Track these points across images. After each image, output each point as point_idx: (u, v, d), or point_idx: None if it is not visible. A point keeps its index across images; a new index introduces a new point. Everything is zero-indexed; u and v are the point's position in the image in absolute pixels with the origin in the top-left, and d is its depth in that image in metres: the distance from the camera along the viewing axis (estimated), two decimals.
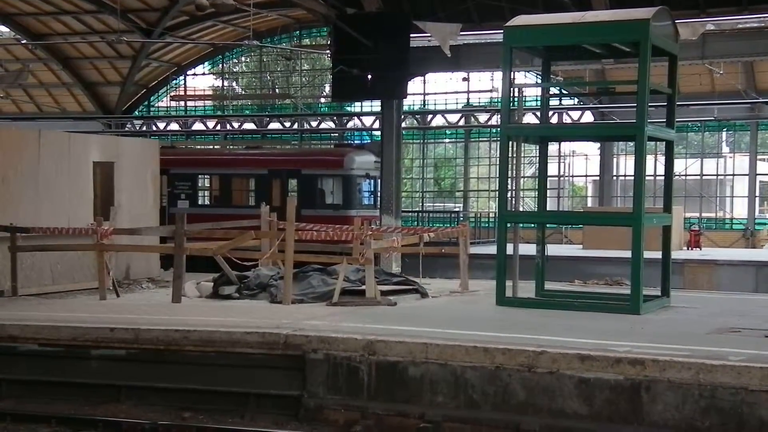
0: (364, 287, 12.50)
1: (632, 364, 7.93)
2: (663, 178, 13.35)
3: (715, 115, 30.59)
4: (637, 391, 7.82)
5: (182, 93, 40.17)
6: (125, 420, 9.10)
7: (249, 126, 38.57)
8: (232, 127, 38.36)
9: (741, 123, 32.58)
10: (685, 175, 32.10)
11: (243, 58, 41.24)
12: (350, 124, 37.17)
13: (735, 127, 33.43)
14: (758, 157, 33.09)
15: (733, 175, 34.66)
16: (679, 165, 28.72)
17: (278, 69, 39.54)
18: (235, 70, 41.28)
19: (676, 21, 13.01)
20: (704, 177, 33.77)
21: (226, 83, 40.88)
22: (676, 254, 16.20)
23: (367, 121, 35.86)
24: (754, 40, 20.83)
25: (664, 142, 13.10)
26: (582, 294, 13.55)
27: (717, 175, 34.40)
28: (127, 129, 38.58)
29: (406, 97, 24.78)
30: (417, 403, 8.63)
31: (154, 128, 38.37)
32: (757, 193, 33.06)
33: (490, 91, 34.88)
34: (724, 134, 36.72)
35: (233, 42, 35.13)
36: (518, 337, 9.14)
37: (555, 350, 8.35)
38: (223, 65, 40.38)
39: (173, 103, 40.71)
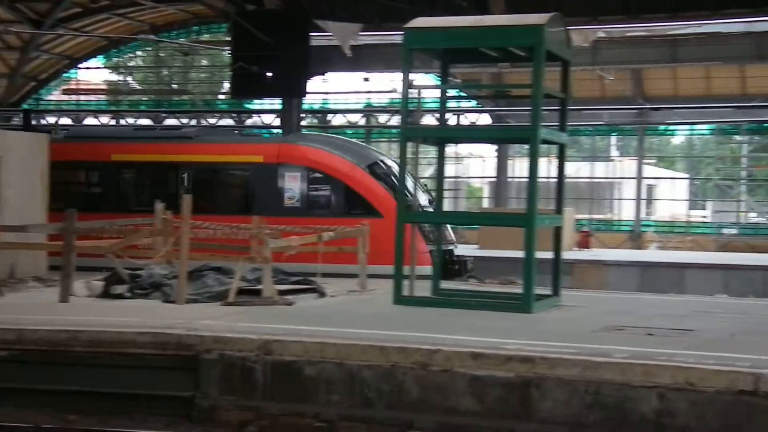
0: (261, 287, 12.41)
1: (523, 362, 8.10)
2: (555, 180, 13.70)
3: (605, 120, 31.61)
4: (527, 388, 8.00)
5: (74, 87, 38.96)
6: (5, 424, 8.77)
7: (145, 122, 37.74)
8: (127, 122, 37.45)
9: (629, 128, 33.76)
10: (577, 178, 33.04)
11: (139, 53, 40.31)
12: (250, 122, 36.80)
13: (624, 132, 34.63)
14: (644, 161, 34.36)
15: (622, 178, 35.88)
16: (571, 168, 29.50)
17: (175, 64, 38.82)
18: (130, 64, 40.31)
19: (569, 27, 13.38)
20: (595, 180, 34.83)
21: (120, 78, 39.87)
22: (566, 254, 16.67)
23: (268, 118, 35.58)
24: (642, 48, 21.65)
25: (557, 145, 13.43)
26: (477, 293, 13.78)
27: (607, 178, 35.54)
28: (13, 123, 37.16)
29: (305, 96, 24.70)
30: (313, 402, 8.61)
31: (44, 122, 37.09)
32: (644, 196, 34.31)
33: (391, 91, 35.11)
34: (613, 138, 38.04)
35: (128, 35, 34.27)
36: (414, 335, 9.22)
37: (449, 348, 8.46)
38: (117, 59, 39.39)
39: (65, 97, 39.45)
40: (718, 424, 7.41)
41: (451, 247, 18.14)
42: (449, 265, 17.63)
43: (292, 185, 17.90)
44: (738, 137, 35.27)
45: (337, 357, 8.64)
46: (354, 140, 23.49)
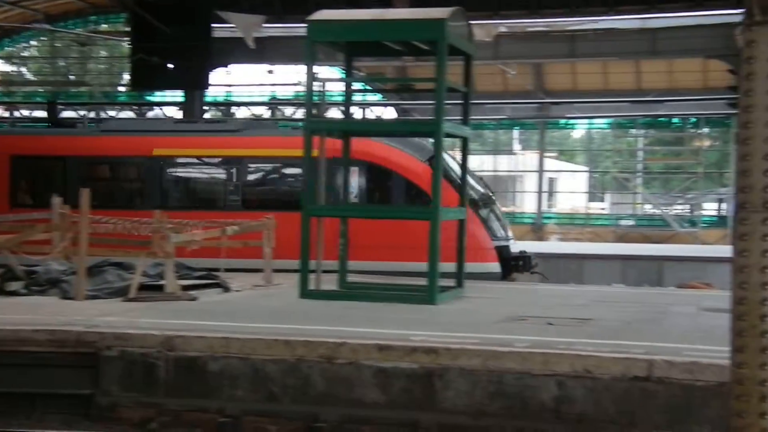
0: (163, 282, 12.19)
1: (427, 353, 8.18)
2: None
3: (507, 114, 32.21)
4: (431, 378, 8.08)
5: None
6: None
7: (40, 114, 36.56)
8: (21, 114, 36.22)
9: (531, 122, 34.49)
10: (480, 171, 33.59)
11: (33, 43, 39.00)
12: (151, 114, 36.07)
13: (526, 125, 35.36)
14: (546, 154, 35.17)
15: (524, 171, 36.64)
16: (474, 161, 29.96)
17: (72, 55, 37.71)
18: (24, 54, 38.98)
19: (472, 22, 13.56)
20: (498, 173, 35.46)
21: (14, 68, 38.51)
22: None
23: (170, 111, 34.95)
24: (543, 43, 22.13)
25: (460, 139, 13.61)
26: (383, 286, 13.85)
27: (509, 171, 36.25)
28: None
29: (208, 88, 24.37)
30: (216, 398, 8.51)
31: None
32: (545, 189, 35.13)
33: (295, 84, 34.97)
34: (516, 132, 38.77)
35: (22, 25, 33.12)
36: (319, 329, 9.22)
37: (355, 341, 8.48)
38: (11, 49, 37.99)
39: None
40: (614, 410, 7.64)
41: (507, 243, 17.47)
42: (511, 262, 17.11)
43: (350, 180, 16.58)
44: (634, 131, 36.45)
45: (242, 352, 8.56)
46: None
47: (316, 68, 12.82)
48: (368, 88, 34.38)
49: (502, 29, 20.90)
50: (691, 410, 7.42)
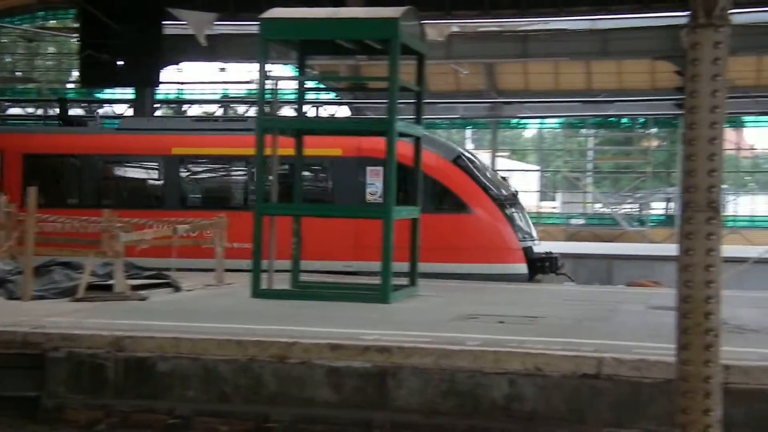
0: (112, 282, 12.03)
1: (380, 352, 8.19)
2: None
3: (460, 114, 32.36)
4: (384, 377, 8.09)
5: None
6: None
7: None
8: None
9: (483, 121, 34.71)
10: None
11: None
12: (101, 112, 35.53)
13: (478, 125, 35.57)
14: (497, 154, 35.42)
15: None
16: None
17: (19, 51, 36.99)
18: None
19: (424, 22, 13.60)
20: None
21: None
22: None
23: (120, 108, 34.45)
24: (495, 44, 22.28)
25: (413, 138, 13.63)
26: (336, 285, 13.83)
27: None
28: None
29: (158, 86, 24.10)
30: (166, 398, 8.41)
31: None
32: None
33: (248, 82, 34.72)
34: (468, 132, 38.99)
35: None
36: (272, 328, 9.17)
37: (307, 340, 8.45)
38: None
39: None
40: (564, 407, 7.71)
41: (532, 243, 17.21)
42: (537, 263, 16.89)
43: (375, 180, 16.46)
44: (584, 131, 36.88)
45: (193, 352, 8.47)
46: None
47: (268, 66, 12.76)
48: (322, 86, 34.33)
49: (455, 29, 21.01)
50: (639, 407, 7.52)
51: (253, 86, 32.96)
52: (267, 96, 12.79)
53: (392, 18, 11.75)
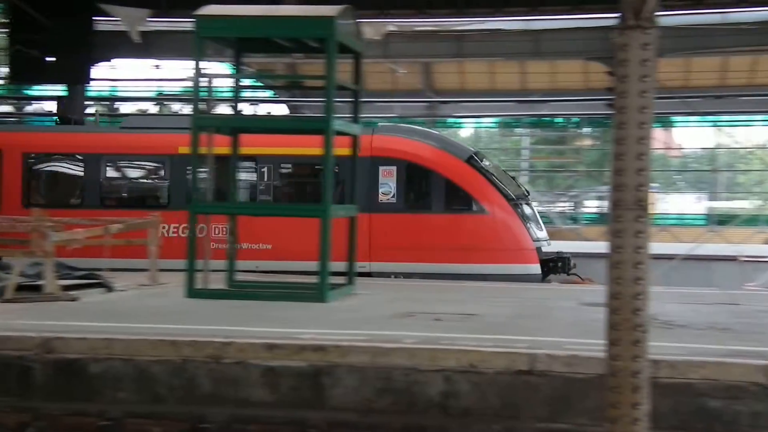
0: (42, 282, 11.77)
1: (316, 351, 8.17)
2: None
3: (397, 113, 32.43)
4: (320, 376, 8.08)
5: None
6: None
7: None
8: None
9: (420, 120, 34.86)
10: None
11: None
12: (30, 109, 34.75)
13: (415, 124, 35.68)
14: None
15: None
16: None
17: None
18: None
19: (361, 20, 13.61)
20: None
21: None
22: None
23: (50, 105, 33.72)
24: (431, 43, 22.39)
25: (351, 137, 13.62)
26: (272, 284, 13.75)
27: None
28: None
29: (90, 83, 23.65)
30: (98, 401, 8.26)
31: None
32: None
33: (183, 80, 34.29)
34: None
35: None
36: (207, 328, 9.09)
37: (243, 340, 8.38)
38: None
39: None
40: (498, 404, 7.79)
41: (543, 243, 17.09)
42: (549, 263, 16.82)
43: (388, 180, 16.46)
44: (520, 130, 37.32)
45: (126, 353, 8.34)
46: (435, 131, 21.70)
47: (204, 64, 12.63)
48: (259, 84, 34.08)
49: (391, 28, 21.07)
50: (571, 402, 7.64)
51: (189, 84, 32.59)
52: (202, 94, 12.66)
53: (329, 16, 11.73)
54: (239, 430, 8.03)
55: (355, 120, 13.35)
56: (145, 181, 18.69)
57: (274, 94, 34.44)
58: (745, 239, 25.17)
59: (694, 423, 7.44)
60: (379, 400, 7.96)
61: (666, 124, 35.93)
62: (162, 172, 18.09)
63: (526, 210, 17.12)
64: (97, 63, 22.84)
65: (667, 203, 38.22)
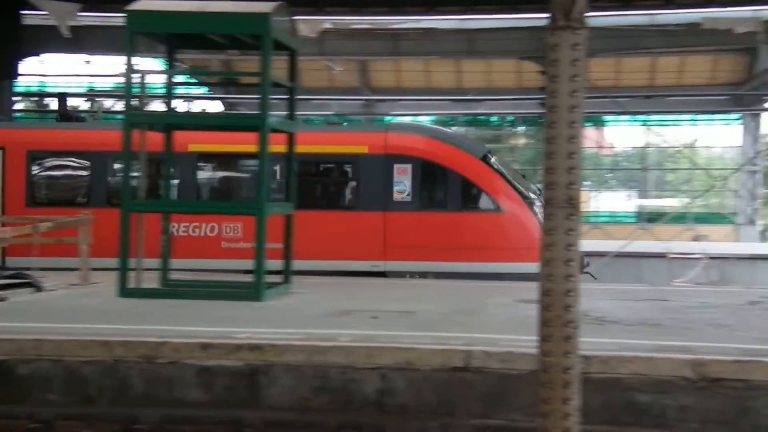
0: None
1: (252, 350, 8.12)
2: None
3: (334, 110, 32.39)
4: (256, 376, 8.03)
5: None
6: None
7: None
8: None
9: (357, 118, 34.87)
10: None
11: None
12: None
13: (352, 122, 35.68)
14: None
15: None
16: None
17: None
18: None
19: (296, 17, 13.55)
20: None
21: None
22: None
23: None
24: (367, 41, 22.41)
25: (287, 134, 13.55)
26: (208, 283, 13.61)
27: None
28: None
29: (16, 78, 23.06)
30: (26, 403, 8.08)
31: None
32: None
33: (115, 75, 33.69)
34: None
35: None
36: (140, 328, 8.96)
37: (177, 340, 8.29)
38: None
39: None
40: (434, 400, 7.85)
41: None
42: None
43: (402, 178, 16.17)
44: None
45: (55, 354, 8.17)
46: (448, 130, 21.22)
47: (136, 59, 12.44)
48: (193, 81, 33.68)
49: (327, 26, 21.03)
50: (506, 398, 7.73)
51: (121, 80, 32.04)
52: (135, 90, 12.47)
53: (264, 13, 11.65)
54: (173, 430, 7.94)
55: (291, 117, 13.29)
56: (155, 179, 18.38)
57: (209, 91, 34.07)
58: (674, 236, 25.76)
59: (624, 417, 7.60)
60: (315, 399, 7.95)
61: (598, 123, 36.59)
62: (171, 172, 17.84)
63: (539, 208, 17.18)
64: (25, 58, 22.31)
65: (598, 201, 38.89)
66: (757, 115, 32.95)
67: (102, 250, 13.29)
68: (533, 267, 15.50)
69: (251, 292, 11.83)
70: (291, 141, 13.32)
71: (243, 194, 17.74)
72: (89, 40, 22.84)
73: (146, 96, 13.89)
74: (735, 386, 7.47)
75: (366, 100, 31.97)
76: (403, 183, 16.23)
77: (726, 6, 19.81)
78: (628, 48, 22.73)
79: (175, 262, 13.25)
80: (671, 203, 37.42)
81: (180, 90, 28.00)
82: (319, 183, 17.42)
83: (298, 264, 14.52)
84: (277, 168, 16.60)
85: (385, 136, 16.82)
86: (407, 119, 28.19)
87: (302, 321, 9.79)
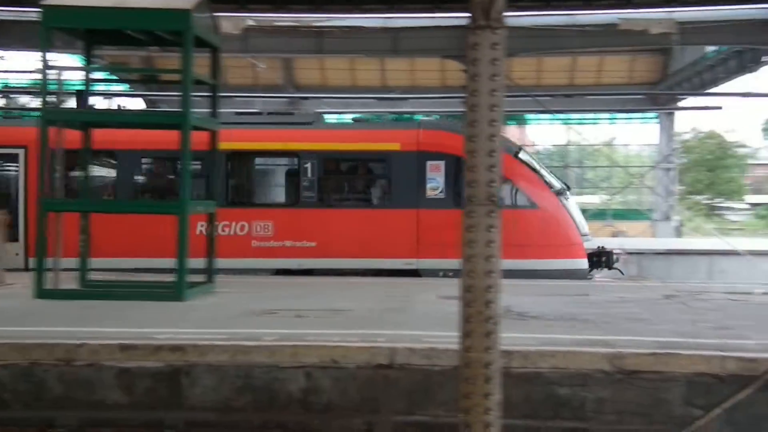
0: None
1: (173, 351, 8.01)
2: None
3: (259, 108, 32.11)
4: (178, 376, 7.93)
5: None
6: None
7: None
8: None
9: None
10: None
11: None
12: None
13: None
14: None
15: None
16: None
17: None
18: None
19: (218, 14, 13.39)
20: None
21: None
22: None
23: None
24: (291, 39, 22.27)
25: (210, 132, 13.39)
26: (128, 283, 13.37)
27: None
28: None
29: None
30: None
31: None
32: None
33: (32, 72, 32.78)
34: None
35: None
36: (57, 330, 8.76)
37: (96, 342, 8.13)
38: None
39: None
40: (359, 398, 7.87)
41: (587, 238, 16.79)
42: (593, 258, 16.56)
43: (435, 175, 15.94)
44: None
45: None
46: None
47: (53, 56, 12.14)
48: (113, 78, 32.98)
49: (250, 23, 20.82)
50: (430, 394, 7.80)
51: (37, 76, 31.21)
52: (51, 86, 12.17)
53: (184, 9, 11.48)
54: None
55: (213, 115, 13.14)
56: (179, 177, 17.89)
57: (129, 88, 33.42)
58: (594, 232, 26.30)
59: (544, 411, 7.74)
60: (238, 398, 7.90)
61: (520, 121, 37.13)
62: (198, 169, 17.42)
63: (570, 204, 17.16)
64: None
65: None
66: (672, 114, 33.89)
67: None
68: (566, 263, 15.69)
69: (173, 292, 11.66)
70: (213, 139, 13.17)
71: (275, 193, 17.54)
72: (4, 35, 22.16)
73: (63, 93, 13.55)
74: (651, 378, 7.68)
75: (291, 97, 31.80)
76: (436, 180, 16.22)
77: (641, 7, 20.33)
78: (549, 48, 23.10)
79: (204, 262, 13.12)
80: (591, 200, 38.22)
81: (100, 87, 27.39)
82: (351, 180, 17.35)
83: (330, 262, 14.54)
84: (308, 166, 16.51)
85: (417, 132, 16.77)
86: (333, 117, 28.16)
87: (226, 321, 9.70)
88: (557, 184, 17.05)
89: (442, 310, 10.73)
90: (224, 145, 16.53)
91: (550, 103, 27.61)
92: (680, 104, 33.24)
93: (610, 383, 7.70)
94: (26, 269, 15.50)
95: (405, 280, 15.85)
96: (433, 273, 15.83)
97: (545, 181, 16.65)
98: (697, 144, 52.63)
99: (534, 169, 16.84)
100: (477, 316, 4.49)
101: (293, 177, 16.87)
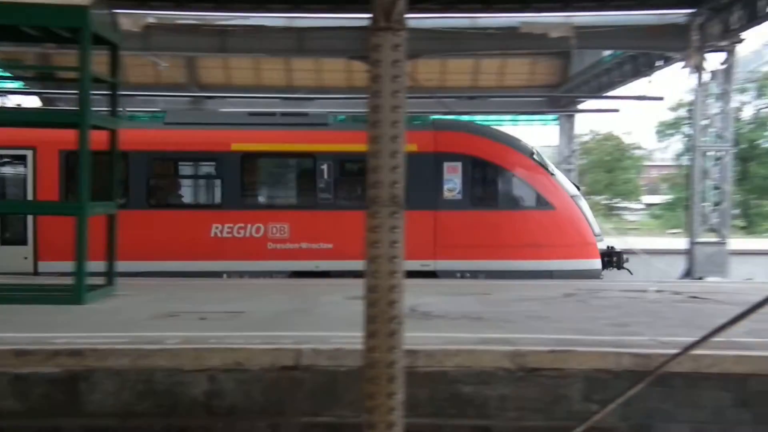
0: None
1: (71, 356, 7.80)
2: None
3: (161, 107, 31.53)
4: (76, 382, 7.72)
5: None
6: None
7: None
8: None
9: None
10: None
11: None
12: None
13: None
14: None
15: None
16: None
17: None
18: None
19: (117, 11, 13.10)
20: None
21: None
22: None
23: None
24: (194, 37, 21.93)
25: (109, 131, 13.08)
26: (24, 286, 12.95)
27: None
28: None
29: None
30: None
31: None
32: None
33: None
34: None
35: None
36: None
37: None
38: None
39: None
40: (263, 400, 7.81)
41: (600, 239, 16.64)
42: (605, 258, 16.51)
43: (453, 176, 15.79)
44: None
45: None
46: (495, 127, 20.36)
47: None
48: (7, 74, 31.84)
49: (151, 20, 20.40)
50: (335, 395, 7.80)
51: None
52: None
53: (81, 6, 11.19)
54: None
55: (113, 113, 12.84)
56: (196, 179, 17.29)
57: (24, 86, 32.33)
58: None
59: (448, 409, 7.83)
60: (140, 403, 7.74)
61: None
62: (214, 170, 16.92)
63: (583, 204, 17.19)
64: None
65: None
66: (572, 116, 34.75)
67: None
68: (581, 264, 15.98)
69: (71, 295, 11.34)
70: (113, 138, 12.87)
71: (291, 194, 17.24)
72: None
73: None
74: (550, 375, 7.86)
75: (194, 96, 31.33)
76: (453, 181, 16.23)
77: (540, 11, 20.77)
78: (452, 50, 23.38)
79: (220, 264, 12.75)
80: None
81: None
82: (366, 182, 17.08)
83: (347, 264, 14.39)
84: (324, 167, 16.30)
85: (434, 134, 16.72)
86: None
87: (127, 324, 9.49)
88: (570, 185, 17.33)
89: (350, 310, 10.73)
90: (238, 146, 16.60)
91: (454, 104, 27.96)
92: (579, 107, 34.12)
93: (512, 381, 7.85)
94: (35, 273, 15.38)
95: (314, 281, 15.84)
96: (450, 274, 15.91)
97: (560, 183, 16.94)
98: (595, 145, 54.15)
99: (549, 171, 17.05)
100: (381, 315, 4.51)
101: (309, 178, 16.78)
